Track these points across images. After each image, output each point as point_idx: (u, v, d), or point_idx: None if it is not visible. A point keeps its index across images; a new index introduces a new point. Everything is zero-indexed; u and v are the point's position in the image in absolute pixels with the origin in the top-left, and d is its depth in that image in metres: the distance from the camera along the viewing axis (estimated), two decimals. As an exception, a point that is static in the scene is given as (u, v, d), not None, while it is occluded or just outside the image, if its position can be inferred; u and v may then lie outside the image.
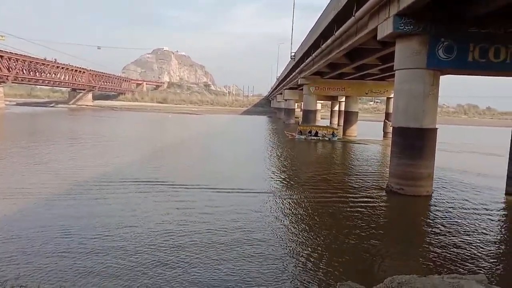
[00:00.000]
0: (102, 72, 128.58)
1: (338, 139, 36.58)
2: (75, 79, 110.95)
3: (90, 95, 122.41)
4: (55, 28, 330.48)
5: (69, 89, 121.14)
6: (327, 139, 35.93)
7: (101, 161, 19.11)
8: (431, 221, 11.51)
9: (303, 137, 36.33)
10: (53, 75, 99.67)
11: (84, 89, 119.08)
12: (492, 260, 8.39)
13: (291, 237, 9.44)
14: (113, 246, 8.25)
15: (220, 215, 10.68)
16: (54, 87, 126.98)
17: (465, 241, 9.52)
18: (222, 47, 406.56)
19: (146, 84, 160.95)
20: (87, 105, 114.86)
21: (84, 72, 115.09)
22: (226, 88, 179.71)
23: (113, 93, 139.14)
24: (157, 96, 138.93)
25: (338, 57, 26.34)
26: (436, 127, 14.52)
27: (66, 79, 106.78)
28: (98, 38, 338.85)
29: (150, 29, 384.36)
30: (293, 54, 42.21)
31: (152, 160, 20.58)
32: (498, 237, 10.32)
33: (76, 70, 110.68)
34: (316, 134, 36.57)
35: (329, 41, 21.89)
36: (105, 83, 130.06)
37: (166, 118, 71.80)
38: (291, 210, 12.00)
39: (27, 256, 7.58)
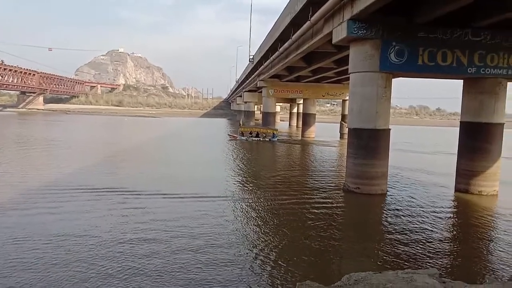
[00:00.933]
0: (54, 74, 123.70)
1: (278, 140, 37.38)
2: (25, 82, 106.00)
3: (41, 98, 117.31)
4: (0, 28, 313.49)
5: (18, 92, 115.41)
6: (267, 139, 36.77)
7: (52, 168, 18.31)
8: (386, 219, 11.91)
9: (244, 138, 37.16)
10: (0, 77, 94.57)
11: (34, 92, 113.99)
12: (443, 255, 8.78)
13: (249, 240, 9.43)
14: (61, 264, 7.86)
15: (178, 228, 10.26)
16: (2, 90, 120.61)
17: (418, 237, 9.91)
18: (180, 49, 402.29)
19: (101, 86, 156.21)
20: (38, 109, 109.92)
21: (34, 74, 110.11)
22: (185, 91, 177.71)
23: (66, 96, 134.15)
24: (112, 99, 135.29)
25: (295, 61, 26.75)
26: (389, 127, 15.07)
27: (15, 81, 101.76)
28: (49, 39, 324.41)
29: (104, 30, 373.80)
30: (251, 57, 42.43)
31: (106, 166, 19.91)
32: (449, 233, 10.84)
33: (25, 73, 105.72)
34: (257, 135, 37.47)
35: (286, 44, 22.19)
36: (57, 86, 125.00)
37: (122, 122, 69.99)
38: (248, 213, 12.02)
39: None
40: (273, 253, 8.56)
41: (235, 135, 38.15)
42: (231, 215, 11.40)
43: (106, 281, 6.82)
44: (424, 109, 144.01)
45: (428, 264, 8.10)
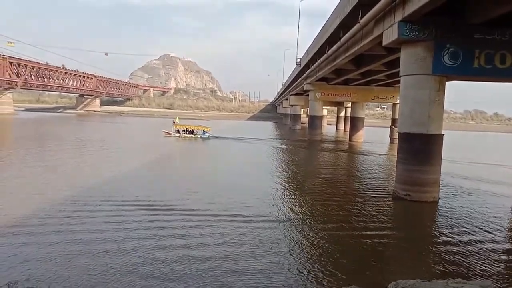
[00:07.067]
0: (110, 78, 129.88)
1: (209, 136, 38.74)
2: (83, 85, 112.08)
3: (97, 101, 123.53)
4: (60, 34, 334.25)
5: (77, 95, 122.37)
6: (198, 136, 38.67)
7: (93, 175, 18.65)
8: (437, 227, 11.47)
9: (177, 134, 39.19)
10: (61, 81, 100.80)
11: (91, 95, 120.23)
12: (498, 267, 8.33)
13: (295, 241, 9.46)
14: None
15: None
16: (62, 93, 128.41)
17: (471, 247, 9.47)
18: (229, 53, 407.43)
19: (153, 90, 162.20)
20: (94, 111, 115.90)
21: (91, 78, 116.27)
22: (233, 94, 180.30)
23: (120, 98, 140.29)
24: (163, 102, 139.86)
25: (344, 63, 26.37)
26: (442, 133, 14.49)
27: (74, 85, 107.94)
28: (105, 44, 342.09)
29: (157, 35, 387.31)
30: (299, 60, 42.35)
31: (153, 171, 20.49)
32: (505, 245, 10.25)
33: (84, 76, 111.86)
34: (191, 132, 39.53)
35: (334, 47, 21.97)
36: (113, 89, 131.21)
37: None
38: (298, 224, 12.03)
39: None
40: (321, 256, 8.53)
41: (169, 132, 39.69)
42: (282, 217, 11.49)
43: None
44: (481, 114, 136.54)
45: (482, 275, 7.73)
